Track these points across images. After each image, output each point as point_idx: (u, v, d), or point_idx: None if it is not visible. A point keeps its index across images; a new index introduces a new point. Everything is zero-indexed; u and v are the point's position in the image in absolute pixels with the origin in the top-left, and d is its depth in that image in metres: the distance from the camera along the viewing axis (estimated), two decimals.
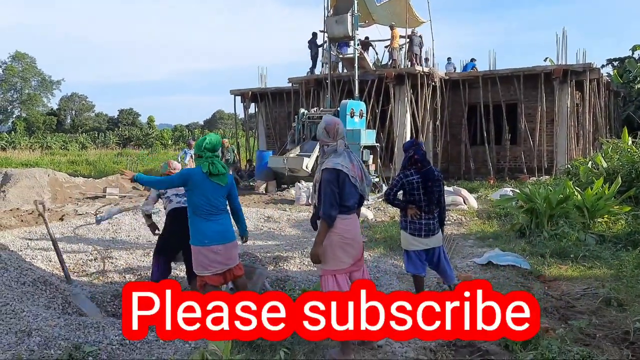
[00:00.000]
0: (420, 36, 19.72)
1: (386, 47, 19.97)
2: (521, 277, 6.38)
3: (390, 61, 19.44)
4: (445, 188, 12.70)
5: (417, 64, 18.67)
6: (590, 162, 12.24)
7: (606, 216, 8.72)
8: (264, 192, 16.61)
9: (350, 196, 4.18)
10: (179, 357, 4.07)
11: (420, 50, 19.52)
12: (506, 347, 4.12)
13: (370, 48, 20.71)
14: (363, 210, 11.15)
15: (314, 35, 19.63)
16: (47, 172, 16.57)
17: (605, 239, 7.90)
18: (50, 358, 3.98)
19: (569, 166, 14.22)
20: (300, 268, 7.01)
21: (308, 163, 14.94)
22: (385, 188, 15.63)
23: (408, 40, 19.53)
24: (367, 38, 20.66)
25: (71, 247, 8.19)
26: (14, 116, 67.06)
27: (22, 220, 11.42)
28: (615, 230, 8.36)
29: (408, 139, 17.69)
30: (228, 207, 4.87)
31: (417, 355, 4.13)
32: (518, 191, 9.62)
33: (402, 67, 18.73)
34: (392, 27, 19.09)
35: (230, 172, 15.15)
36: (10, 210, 12.63)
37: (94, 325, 4.54)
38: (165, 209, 5.76)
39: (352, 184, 4.18)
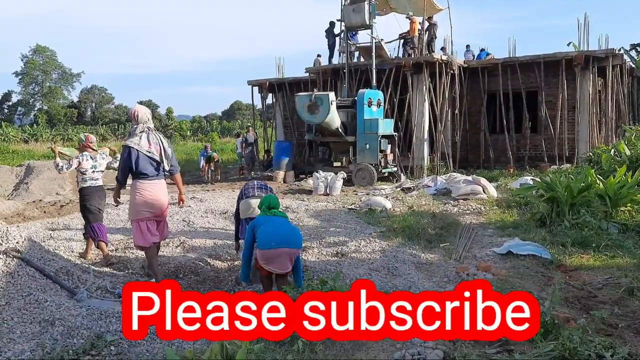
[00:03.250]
0: (435, 23, 19.38)
1: (402, 35, 19.58)
2: (542, 267, 6.32)
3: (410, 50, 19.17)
4: (464, 177, 12.75)
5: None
6: (612, 150, 12.03)
7: (629, 205, 8.57)
8: (282, 182, 16.65)
9: (145, 167, 5.62)
10: (199, 346, 4.11)
11: (429, 40, 19.17)
12: None
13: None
14: (381, 200, 11.13)
15: (332, 24, 19.50)
16: None
17: (628, 228, 7.78)
18: (73, 347, 4.05)
19: (590, 154, 14.00)
20: (318, 258, 7.02)
21: (334, 99, 15.11)
22: (403, 178, 15.60)
23: (425, 31, 19.24)
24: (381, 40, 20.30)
25: None
26: (36, 109, 68.06)
27: (44, 212, 11.62)
28: (639, 219, 8.21)
29: (426, 127, 17.57)
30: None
31: (435, 345, 4.11)
32: (538, 180, 9.50)
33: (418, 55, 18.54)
34: (410, 18, 18.85)
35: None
36: (33, 201, 12.85)
37: (116, 315, 4.61)
38: (77, 183, 7.19)
39: (147, 158, 5.62)
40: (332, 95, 15.23)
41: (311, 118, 15.20)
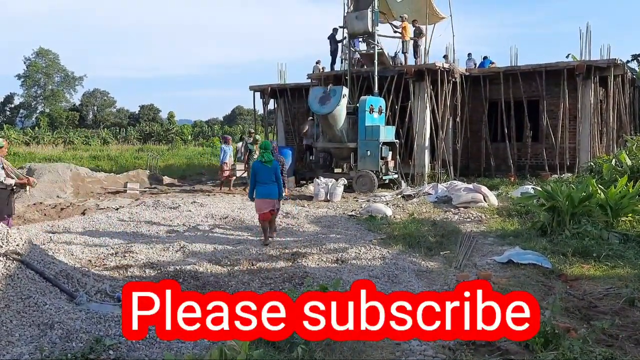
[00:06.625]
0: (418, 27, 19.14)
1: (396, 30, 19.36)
2: (542, 276, 6.30)
3: (402, 55, 19.10)
4: (465, 185, 12.75)
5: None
6: (614, 160, 12.03)
7: (630, 215, 8.56)
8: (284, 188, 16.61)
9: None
10: (198, 352, 4.10)
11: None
12: (526, 347, 4.07)
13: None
14: (382, 207, 11.12)
15: (334, 30, 19.54)
16: (69, 167, 16.83)
17: (629, 238, 7.76)
18: (71, 351, 4.04)
19: (592, 164, 13.99)
20: (318, 264, 7.01)
21: (346, 93, 15.44)
22: (404, 185, 15.59)
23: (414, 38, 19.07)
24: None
25: (92, 241, 8.30)
26: (38, 112, 68.20)
27: (45, 214, 11.61)
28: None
29: (428, 135, 17.57)
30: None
31: (435, 354, 4.10)
32: (539, 189, 9.49)
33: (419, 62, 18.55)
34: (403, 20, 18.77)
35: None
36: (34, 204, 12.84)
37: (115, 319, 4.60)
38: None
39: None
40: (345, 89, 15.34)
41: (320, 108, 15.18)
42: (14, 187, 8.09)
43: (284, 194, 8.99)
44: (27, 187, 8.51)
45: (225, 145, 17.00)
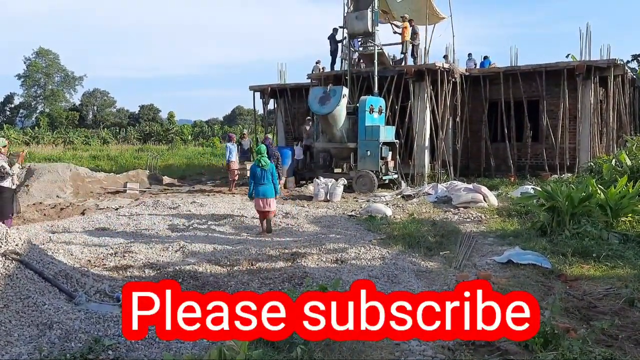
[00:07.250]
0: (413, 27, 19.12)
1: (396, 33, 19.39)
2: (542, 277, 6.30)
3: (402, 56, 19.07)
4: (465, 185, 12.74)
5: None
6: (613, 160, 12.02)
7: (630, 215, 8.55)
8: (283, 187, 16.61)
9: None
10: (197, 352, 4.09)
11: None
12: (526, 347, 4.06)
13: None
14: (382, 207, 11.12)
15: (334, 30, 19.54)
16: (69, 167, 16.81)
17: (629, 239, 7.76)
18: (70, 351, 4.03)
19: (591, 164, 13.99)
20: (318, 264, 7.00)
21: (346, 93, 15.44)
22: (404, 185, 15.58)
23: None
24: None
25: (92, 241, 8.29)
26: (38, 111, 68.20)
27: (44, 214, 11.60)
28: (639, 230, 8.19)
29: (428, 135, 17.56)
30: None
31: (435, 354, 4.10)
32: (539, 189, 9.48)
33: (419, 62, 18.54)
34: (404, 19, 18.75)
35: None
36: (34, 204, 12.84)
37: (114, 319, 4.60)
38: None
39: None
40: (345, 89, 15.39)
41: (320, 109, 15.21)
42: (19, 174, 8.61)
43: (279, 190, 9.90)
44: (24, 158, 8.97)
45: (230, 143, 16.80)
